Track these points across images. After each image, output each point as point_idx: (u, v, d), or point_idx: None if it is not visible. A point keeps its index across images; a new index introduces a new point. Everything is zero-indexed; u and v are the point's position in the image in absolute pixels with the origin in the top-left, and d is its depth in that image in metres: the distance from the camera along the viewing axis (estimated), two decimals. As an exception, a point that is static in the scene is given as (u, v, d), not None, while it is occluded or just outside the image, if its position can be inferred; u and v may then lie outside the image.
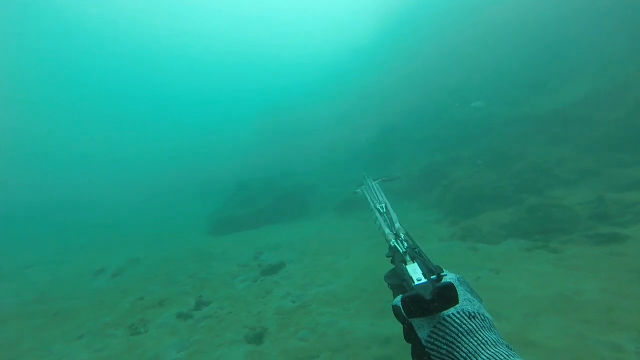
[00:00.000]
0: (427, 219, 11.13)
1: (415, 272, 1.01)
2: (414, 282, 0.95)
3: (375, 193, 2.65)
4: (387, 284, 1.16)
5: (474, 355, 0.67)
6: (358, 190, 3.36)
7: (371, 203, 2.45)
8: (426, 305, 0.79)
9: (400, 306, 0.84)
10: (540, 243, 7.24)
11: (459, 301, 0.83)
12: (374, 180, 3.20)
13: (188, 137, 43.91)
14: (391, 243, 1.53)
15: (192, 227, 17.16)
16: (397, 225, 1.87)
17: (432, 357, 0.78)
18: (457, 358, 0.71)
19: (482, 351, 0.67)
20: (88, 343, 6.16)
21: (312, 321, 5.51)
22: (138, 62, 73.97)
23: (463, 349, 0.71)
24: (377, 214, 2.18)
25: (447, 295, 0.79)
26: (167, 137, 49.77)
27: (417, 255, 1.16)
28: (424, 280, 0.95)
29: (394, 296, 1.09)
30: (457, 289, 0.85)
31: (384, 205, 2.31)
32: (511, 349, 0.69)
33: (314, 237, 11.30)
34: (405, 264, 1.10)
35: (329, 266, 8.05)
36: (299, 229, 12.84)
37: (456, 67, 19.01)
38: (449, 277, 1.02)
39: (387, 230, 1.80)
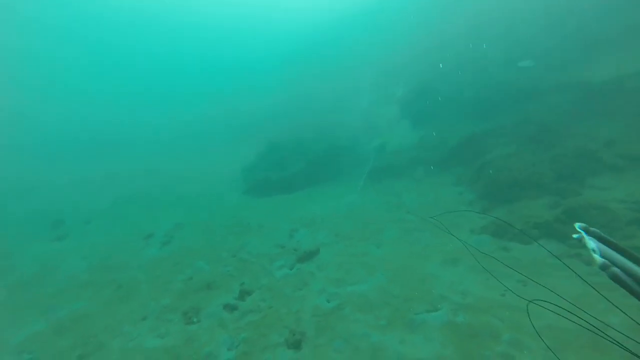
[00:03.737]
0: (461, 198, 11.16)
1: None
2: None
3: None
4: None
5: None
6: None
7: None
8: None
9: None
10: (572, 250, 7.29)
11: None
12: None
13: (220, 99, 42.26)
14: None
15: (228, 185, 18.00)
16: None
17: None
18: None
19: None
20: (152, 326, 7.16)
21: (346, 329, 6.10)
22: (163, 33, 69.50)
23: None
24: None
25: None
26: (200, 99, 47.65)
27: None
28: None
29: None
30: None
31: None
32: None
33: (346, 213, 11.71)
34: None
35: (361, 258, 8.50)
36: (331, 199, 13.23)
37: (499, 17, 17.15)
38: None
39: None
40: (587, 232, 1.81)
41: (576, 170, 9.89)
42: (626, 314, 1.78)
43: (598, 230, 1.73)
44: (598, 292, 1.98)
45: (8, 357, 6.93)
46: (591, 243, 1.77)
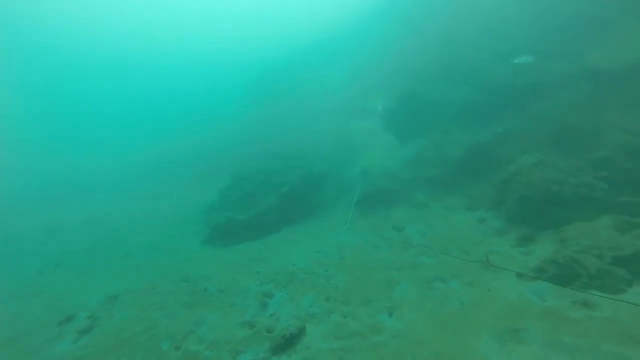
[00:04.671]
0: (483, 227, 8.51)
1: None
2: None
3: None
4: None
5: None
6: None
7: None
8: None
9: None
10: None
11: None
12: None
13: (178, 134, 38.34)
14: None
15: (185, 232, 14.74)
16: None
17: None
18: None
19: None
20: None
21: None
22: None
23: None
24: None
25: None
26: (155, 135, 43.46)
27: None
28: None
29: None
30: None
31: None
32: None
33: (336, 259, 8.79)
34: None
35: (371, 340, 5.54)
36: (314, 242, 10.28)
37: (482, 12, 15.38)
38: None
39: None
40: None
41: (634, 175, 7.50)
42: None
43: None
44: None
45: None
46: None
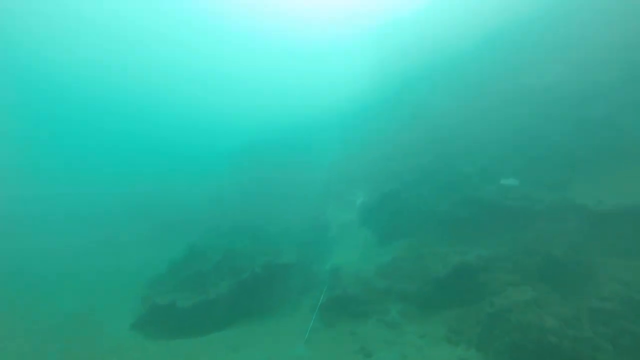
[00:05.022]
0: (465, 370, 7.17)
1: None
2: None
3: None
4: None
5: None
6: None
7: None
8: None
9: None
10: None
11: None
12: None
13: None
14: None
15: (119, 302, 12.52)
16: None
17: None
18: None
19: None
20: None
21: None
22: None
23: None
24: None
25: None
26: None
27: None
28: None
29: None
30: None
31: None
32: None
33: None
34: None
35: None
36: (263, 352, 8.50)
37: (477, 129, 15.86)
38: None
39: None
40: None
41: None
42: None
43: None
44: None
45: None
46: None
